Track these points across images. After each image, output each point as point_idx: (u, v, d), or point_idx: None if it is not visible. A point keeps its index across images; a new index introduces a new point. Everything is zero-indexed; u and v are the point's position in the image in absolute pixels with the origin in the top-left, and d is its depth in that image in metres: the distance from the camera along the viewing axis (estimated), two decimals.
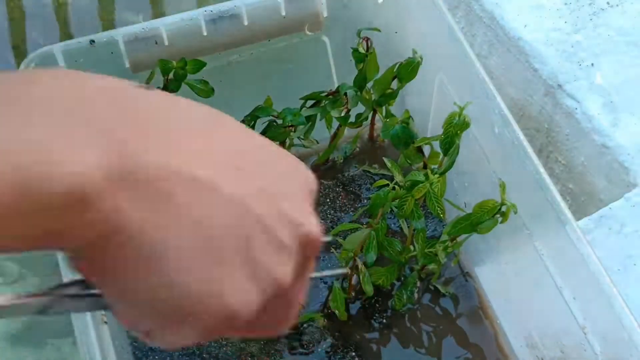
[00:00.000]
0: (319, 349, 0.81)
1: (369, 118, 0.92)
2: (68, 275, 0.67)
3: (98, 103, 0.32)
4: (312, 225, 0.36)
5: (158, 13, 1.36)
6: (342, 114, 0.85)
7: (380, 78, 0.84)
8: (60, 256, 0.68)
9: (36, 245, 0.30)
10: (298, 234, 0.35)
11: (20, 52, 1.31)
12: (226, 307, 0.33)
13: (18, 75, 0.31)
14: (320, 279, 0.86)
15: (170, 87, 0.81)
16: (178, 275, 0.32)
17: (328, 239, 0.39)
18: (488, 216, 0.71)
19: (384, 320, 0.84)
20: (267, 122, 0.84)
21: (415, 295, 0.85)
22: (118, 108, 0.33)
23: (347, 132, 0.94)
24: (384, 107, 0.88)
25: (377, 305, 0.85)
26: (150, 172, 0.31)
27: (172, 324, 0.34)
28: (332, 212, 0.91)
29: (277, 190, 0.35)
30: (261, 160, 0.36)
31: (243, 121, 0.83)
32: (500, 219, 0.71)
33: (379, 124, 0.95)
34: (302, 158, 0.95)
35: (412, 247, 0.81)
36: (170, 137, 0.33)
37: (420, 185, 0.71)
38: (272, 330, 0.39)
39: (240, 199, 0.33)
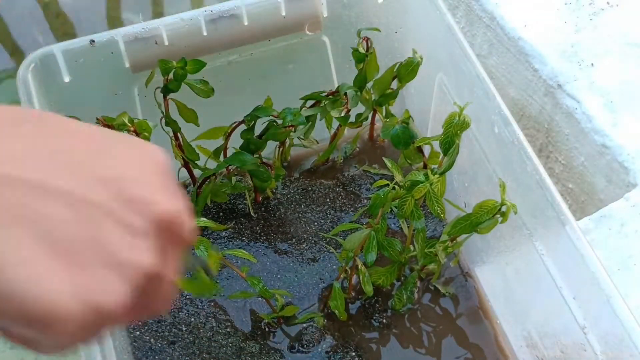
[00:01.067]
0: (319, 349, 0.81)
1: (369, 118, 0.92)
2: None
3: None
4: (166, 202, 0.34)
5: (157, 12, 1.36)
6: (342, 114, 0.85)
7: (380, 78, 0.85)
8: None
9: None
10: (151, 214, 0.34)
11: (20, 52, 1.31)
12: (94, 306, 0.32)
13: None
14: (320, 279, 0.86)
15: (170, 87, 0.81)
16: (29, 284, 0.31)
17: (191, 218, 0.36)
18: (488, 216, 0.71)
19: (384, 320, 0.84)
20: (267, 122, 0.84)
21: (415, 295, 0.85)
22: None
23: (347, 132, 0.94)
24: (384, 107, 0.88)
25: (377, 305, 0.85)
26: None
27: (44, 331, 0.32)
28: (332, 212, 0.91)
29: (118, 174, 0.34)
30: (95, 149, 0.34)
31: (243, 121, 0.83)
32: (500, 219, 0.71)
33: (379, 124, 0.95)
34: (302, 158, 0.96)
35: (412, 247, 0.81)
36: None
37: (421, 185, 0.71)
38: (153, 312, 0.38)
39: (76, 192, 0.32)
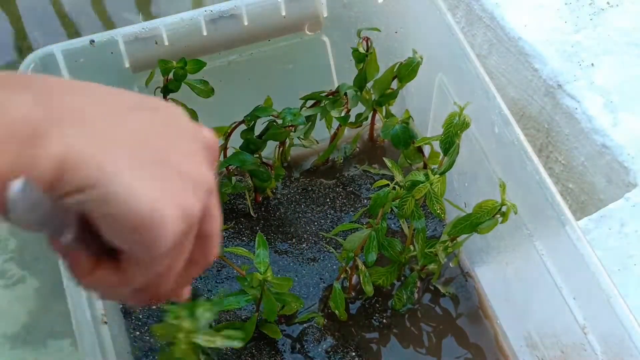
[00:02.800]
0: (319, 349, 0.81)
1: (369, 118, 0.92)
2: (68, 275, 0.67)
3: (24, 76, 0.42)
4: (205, 130, 0.47)
5: (149, 13, 1.36)
6: (342, 114, 0.85)
7: (380, 78, 0.84)
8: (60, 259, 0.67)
9: (11, 168, 0.36)
10: (199, 140, 0.45)
11: (20, 52, 1.31)
12: (179, 206, 0.41)
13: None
14: (320, 279, 0.86)
15: (170, 87, 0.81)
16: (130, 185, 0.39)
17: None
18: (488, 216, 0.71)
19: (384, 320, 0.84)
20: (267, 122, 0.84)
21: (415, 295, 0.85)
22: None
23: (347, 132, 0.94)
24: (384, 107, 0.88)
25: (377, 305, 0.85)
26: (78, 107, 0.40)
27: (147, 237, 0.40)
28: (332, 212, 0.91)
29: (167, 119, 0.45)
30: (143, 104, 0.45)
31: (243, 121, 0.83)
32: (500, 219, 0.71)
33: (379, 124, 0.95)
34: (302, 158, 0.96)
35: (412, 247, 0.81)
36: (79, 90, 0.43)
37: (421, 185, 0.71)
38: (201, 264, 0.47)
39: (153, 122, 0.43)
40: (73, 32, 1.35)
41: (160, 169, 0.41)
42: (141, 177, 0.40)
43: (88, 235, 0.41)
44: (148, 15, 1.35)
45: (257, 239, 0.74)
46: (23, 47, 1.32)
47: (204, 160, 0.45)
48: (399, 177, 0.75)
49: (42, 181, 0.37)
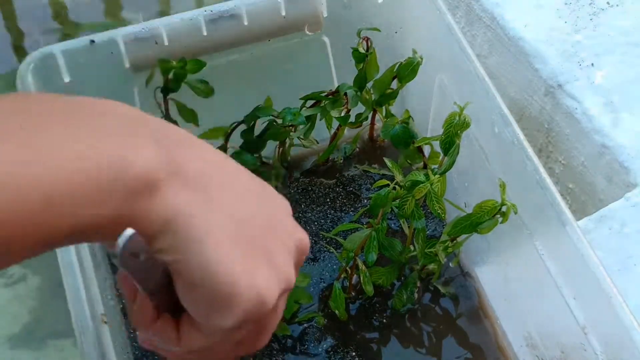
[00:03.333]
0: (319, 349, 0.81)
1: (369, 118, 0.92)
2: (68, 275, 0.67)
3: (151, 123, 0.41)
4: (303, 232, 0.47)
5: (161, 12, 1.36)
6: (342, 114, 0.85)
7: (380, 78, 0.84)
8: (60, 257, 0.68)
9: (117, 218, 0.37)
10: (297, 240, 0.46)
11: (20, 52, 1.31)
12: (259, 293, 0.42)
13: (86, 101, 0.40)
14: (320, 278, 0.86)
15: (170, 86, 0.81)
16: (222, 259, 0.40)
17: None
18: (488, 216, 0.71)
19: (384, 320, 0.84)
20: (267, 122, 0.84)
21: (415, 295, 0.85)
22: (156, 130, 0.41)
23: (347, 132, 0.94)
24: (384, 107, 0.88)
25: (377, 305, 0.85)
26: (195, 170, 0.41)
27: (217, 309, 0.41)
28: (332, 212, 0.91)
29: (276, 214, 0.46)
30: (255, 188, 0.46)
31: (243, 121, 0.83)
32: (500, 219, 0.71)
33: (379, 124, 0.95)
34: (302, 158, 0.96)
35: (412, 247, 0.81)
36: (198, 152, 0.43)
37: (421, 185, 0.71)
38: (248, 349, 0.48)
39: (260, 208, 0.44)
40: (73, 32, 1.35)
41: (254, 252, 0.42)
42: (232, 254, 0.41)
43: (163, 288, 0.43)
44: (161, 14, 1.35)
45: None
46: (21, 47, 1.32)
47: (293, 259, 0.46)
48: (399, 177, 0.75)
49: (146, 233, 0.39)
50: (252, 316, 0.43)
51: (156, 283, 0.43)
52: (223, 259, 0.40)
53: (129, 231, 0.38)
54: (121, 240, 0.38)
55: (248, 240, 0.42)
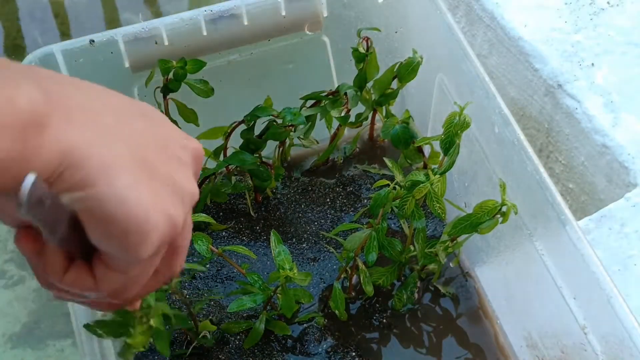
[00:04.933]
0: (319, 349, 0.81)
1: (369, 118, 0.92)
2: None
3: (41, 72, 0.41)
4: (195, 141, 0.47)
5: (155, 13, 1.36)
6: (342, 114, 0.85)
7: (380, 78, 0.84)
8: None
9: (12, 158, 0.37)
10: (189, 151, 0.46)
11: (19, 52, 1.31)
12: (170, 216, 0.42)
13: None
14: (320, 278, 0.86)
15: (170, 86, 0.81)
16: (130, 186, 0.40)
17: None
18: (488, 216, 0.71)
19: (384, 320, 0.84)
20: (267, 122, 0.84)
21: (415, 295, 0.85)
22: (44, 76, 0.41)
23: (347, 132, 0.94)
24: (384, 107, 0.88)
25: (377, 305, 0.85)
26: (81, 105, 0.41)
27: (133, 241, 0.41)
28: (332, 212, 0.91)
29: (161, 128, 0.45)
30: (138, 111, 0.45)
31: (243, 121, 0.83)
32: (500, 219, 0.71)
33: (379, 124, 0.95)
34: (302, 158, 0.96)
35: (412, 247, 0.81)
36: (84, 90, 0.43)
37: (421, 185, 0.71)
38: (172, 270, 0.48)
39: (149, 129, 0.44)
40: (73, 32, 1.35)
41: (155, 176, 0.42)
42: (138, 182, 0.41)
43: (71, 235, 0.42)
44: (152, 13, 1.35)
45: (272, 236, 0.75)
46: (21, 47, 1.32)
47: (192, 172, 0.46)
48: (399, 177, 0.75)
49: (44, 174, 0.38)
50: (166, 241, 0.43)
51: (64, 228, 0.41)
52: (132, 186, 0.40)
53: (31, 177, 0.37)
54: (25, 187, 0.37)
55: (147, 164, 0.42)
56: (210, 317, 0.82)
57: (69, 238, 0.42)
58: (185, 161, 0.45)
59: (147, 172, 0.42)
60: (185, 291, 0.83)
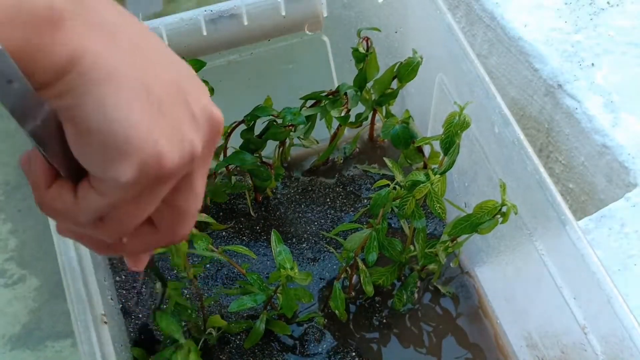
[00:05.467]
0: (319, 349, 0.81)
1: (369, 118, 0.92)
2: (68, 275, 0.67)
3: None
4: (217, 111, 0.45)
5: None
6: (342, 114, 0.85)
7: (380, 78, 0.84)
8: (60, 257, 0.68)
9: (20, 50, 0.36)
10: (205, 113, 0.44)
11: None
12: (155, 144, 0.40)
13: None
14: (320, 278, 0.86)
15: None
16: (121, 105, 0.39)
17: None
18: (488, 217, 0.71)
19: (384, 320, 0.84)
20: (267, 122, 0.84)
21: (415, 295, 0.85)
22: None
23: (347, 132, 0.94)
24: (384, 107, 0.88)
25: (377, 305, 0.85)
26: (105, 18, 0.40)
27: (111, 159, 0.40)
28: (332, 212, 0.91)
29: (189, 82, 0.44)
30: (171, 56, 0.44)
31: (243, 121, 0.83)
32: (500, 220, 0.71)
33: (379, 124, 0.95)
34: (302, 158, 0.96)
35: (412, 247, 0.81)
36: (113, 6, 0.42)
37: (422, 185, 0.71)
38: (165, 236, 0.46)
39: (173, 74, 0.42)
40: None
41: (158, 111, 0.41)
42: (135, 105, 0.39)
43: (61, 153, 0.41)
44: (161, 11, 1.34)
45: (272, 235, 0.75)
46: None
47: (201, 133, 0.44)
48: (399, 177, 0.75)
49: (48, 73, 0.37)
50: (148, 172, 0.41)
51: (55, 144, 0.41)
52: (122, 105, 0.39)
53: None
54: None
55: (154, 99, 0.40)
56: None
57: (59, 154, 0.41)
58: (199, 121, 0.43)
59: (149, 104, 0.40)
60: (185, 291, 0.83)
